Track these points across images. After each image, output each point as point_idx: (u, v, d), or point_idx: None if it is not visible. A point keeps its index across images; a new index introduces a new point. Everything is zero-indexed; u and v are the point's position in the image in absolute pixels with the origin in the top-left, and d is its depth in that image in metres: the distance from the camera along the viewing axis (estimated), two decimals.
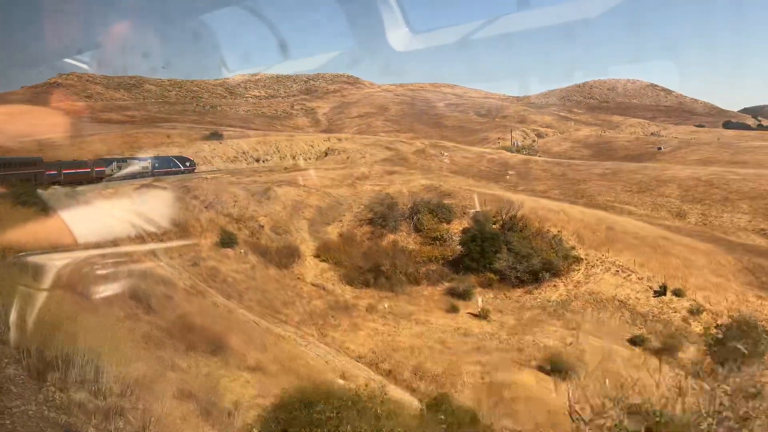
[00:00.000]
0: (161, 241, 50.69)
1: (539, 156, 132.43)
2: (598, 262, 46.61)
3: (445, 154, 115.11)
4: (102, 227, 47.11)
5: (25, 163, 47.08)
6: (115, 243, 46.89)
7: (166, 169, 67.99)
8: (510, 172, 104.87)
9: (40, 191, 43.08)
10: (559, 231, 50.37)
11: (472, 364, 34.78)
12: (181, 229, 52.75)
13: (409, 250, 52.18)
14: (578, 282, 45.11)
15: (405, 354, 36.23)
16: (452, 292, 45.88)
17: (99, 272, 31.74)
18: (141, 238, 50.31)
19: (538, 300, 44.42)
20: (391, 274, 47.64)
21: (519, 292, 46.07)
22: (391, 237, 54.56)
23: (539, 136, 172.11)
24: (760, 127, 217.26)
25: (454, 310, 42.63)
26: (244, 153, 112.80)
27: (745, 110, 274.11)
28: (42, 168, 48.66)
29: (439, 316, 42.37)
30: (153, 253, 48.14)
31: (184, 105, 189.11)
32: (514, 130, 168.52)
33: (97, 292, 26.45)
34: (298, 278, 49.01)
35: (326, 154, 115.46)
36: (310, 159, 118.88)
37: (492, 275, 46.75)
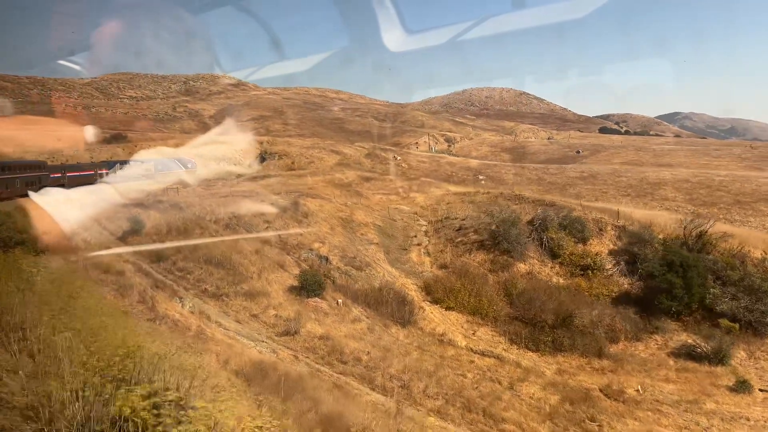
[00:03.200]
0: (205, 293, 29.45)
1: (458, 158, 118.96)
2: None
3: (398, 157, 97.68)
4: None
5: (29, 166, 42.72)
6: (153, 308, 25.99)
7: (169, 170, 57.31)
8: (480, 177, 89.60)
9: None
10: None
11: None
12: (227, 272, 31.39)
13: (561, 287, 34.38)
14: None
15: None
16: (689, 353, 28.94)
17: None
18: (172, 290, 29.18)
19: None
20: (585, 329, 29.77)
21: None
22: (522, 267, 36.53)
23: (448, 141, 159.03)
24: (627, 132, 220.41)
25: (743, 387, 25.57)
26: None
27: (596, 117, 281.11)
28: (46, 171, 43.39)
29: (732, 401, 25.21)
30: (206, 316, 27.21)
31: (50, 105, 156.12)
32: (425, 135, 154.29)
33: None
34: (443, 341, 29.73)
35: (263, 159, 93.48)
36: (240, 164, 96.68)
37: (729, 322, 30.17)
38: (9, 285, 13.71)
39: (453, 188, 58.60)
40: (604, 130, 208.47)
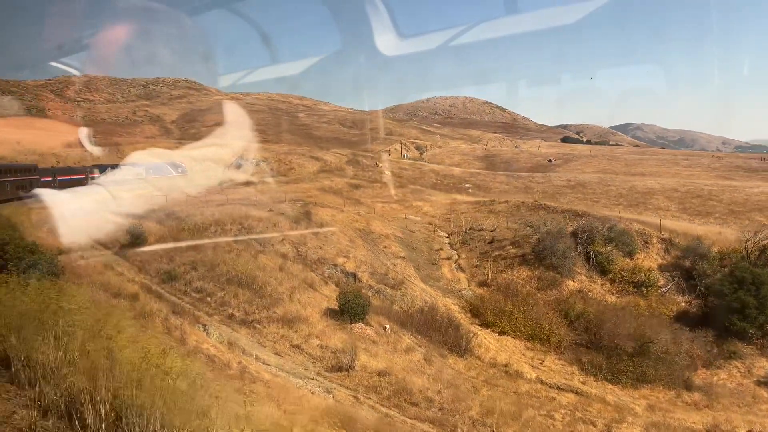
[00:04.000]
0: (232, 320, 24.76)
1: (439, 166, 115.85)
2: None
3: (380, 164, 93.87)
4: None
5: (20, 170, 41.52)
6: (183, 341, 21.29)
7: (160, 174, 54.62)
8: (467, 185, 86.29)
9: None
10: None
11: None
12: (254, 293, 26.69)
13: (617, 307, 30.78)
14: None
15: None
16: None
17: None
18: (192, 316, 24.40)
19: None
20: (665, 356, 26.20)
21: None
22: (572, 284, 32.82)
23: (419, 148, 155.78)
24: (589, 142, 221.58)
25: None
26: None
27: (556, 126, 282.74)
28: (37, 175, 41.99)
29: None
30: (240, 348, 22.64)
31: (3, 107, 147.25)
32: (395, 143, 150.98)
33: None
34: (509, 372, 25.63)
35: (239, 165, 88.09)
36: (215, 170, 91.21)
37: None
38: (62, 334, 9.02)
39: (460, 197, 54.98)
40: (566, 140, 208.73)
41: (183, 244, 30.53)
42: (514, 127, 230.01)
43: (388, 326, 26.30)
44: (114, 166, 53.12)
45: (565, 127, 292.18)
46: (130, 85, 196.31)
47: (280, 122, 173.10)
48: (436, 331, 27.17)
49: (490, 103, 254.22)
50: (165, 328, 21.67)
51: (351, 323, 25.91)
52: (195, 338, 21.67)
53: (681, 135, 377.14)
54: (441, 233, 41.27)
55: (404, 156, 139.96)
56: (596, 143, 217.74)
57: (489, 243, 36.73)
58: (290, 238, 34.42)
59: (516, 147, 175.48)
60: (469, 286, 33.28)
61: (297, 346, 23.63)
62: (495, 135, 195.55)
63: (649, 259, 34.86)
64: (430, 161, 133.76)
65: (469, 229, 39.51)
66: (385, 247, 36.47)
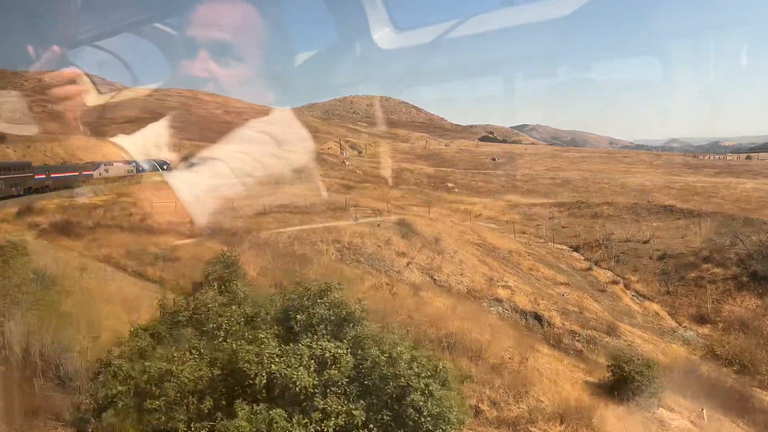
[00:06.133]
0: (480, 417, 13.27)
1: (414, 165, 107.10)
2: None
3: (348, 163, 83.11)
4: None
5: (13, 167, 39.49)
6: None
7: (149, 171, 53.77)
8: (449, 184, 77.18)
9: None
10: None
11: None
12: (473, 361, 15.33)
13: None
14: None
15: None
16: None
17: None
18: None
19: None
20: None
21: None
22: None
23: (353, 147, 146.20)
24: (504, 141, 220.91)
25: None
26: None
27: (467, 126, 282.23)
28: (30, 172, 40.42)
29: None
30: None
31: None
32: (328, 142, 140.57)
33: None
34: None
35: (192, 164, 73.97)
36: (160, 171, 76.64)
37: None
38: None
39: (514, 198, 45.31)
40: (484, 139, 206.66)
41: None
42: (431, 126, 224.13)
43: (704, 410, 15.74)
44: (107, 164, 51.67)
45: (471, 127, 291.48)
46: (24, 78, 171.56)
47: (197, 119, 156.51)
48: (742, 407, 17.02)
49: (406, 102, 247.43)
50: None
51: (653, 407, 15.20)
52: None
53: (572, 135, 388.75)
54: (559, 246, 31.15)
55: (343, 154, 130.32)
56: (512, 142, 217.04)
57: (659, 260, 26.95)
58: (418, 262, 23.02)
59: (446, 146, 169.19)
60: (678, 323, 23.31)
61: None
62: (421, 135, 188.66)
63: None
64: (371, 159, 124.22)
65: (605, 240, 29.62)
66: (531, 269, 25.84)
